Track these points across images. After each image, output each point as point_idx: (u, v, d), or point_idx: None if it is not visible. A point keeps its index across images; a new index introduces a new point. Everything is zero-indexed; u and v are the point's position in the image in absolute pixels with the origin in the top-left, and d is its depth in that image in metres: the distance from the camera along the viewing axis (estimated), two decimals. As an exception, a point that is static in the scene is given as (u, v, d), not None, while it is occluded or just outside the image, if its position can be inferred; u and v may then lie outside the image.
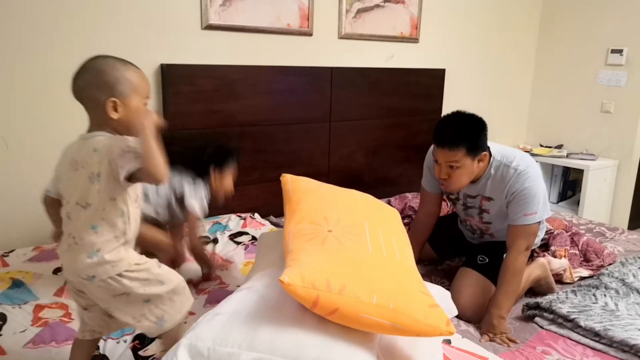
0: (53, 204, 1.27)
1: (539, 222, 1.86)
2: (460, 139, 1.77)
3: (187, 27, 2.41)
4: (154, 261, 1.28)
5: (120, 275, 1.19)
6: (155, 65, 2.36)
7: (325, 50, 2.85)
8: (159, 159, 1.10)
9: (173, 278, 1.29)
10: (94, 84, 1.17)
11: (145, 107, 1.23)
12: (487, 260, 1.96)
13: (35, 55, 2.09)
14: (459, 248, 2.18)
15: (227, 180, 1.94)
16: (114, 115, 1.17)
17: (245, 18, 2.55)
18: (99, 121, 1.19)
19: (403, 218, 2.70)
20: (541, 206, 1.83)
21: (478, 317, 1.85)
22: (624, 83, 3.50)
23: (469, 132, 1.79)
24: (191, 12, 2.41)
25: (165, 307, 1.26)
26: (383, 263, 1.28)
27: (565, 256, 2.14)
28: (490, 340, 1.68)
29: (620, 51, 3.48)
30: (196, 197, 1.82)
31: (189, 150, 1.90)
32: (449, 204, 2.29)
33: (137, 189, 1.24)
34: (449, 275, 2.10)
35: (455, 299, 1.63)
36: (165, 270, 1.28)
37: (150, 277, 1.23)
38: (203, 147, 1.90)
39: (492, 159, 1.88)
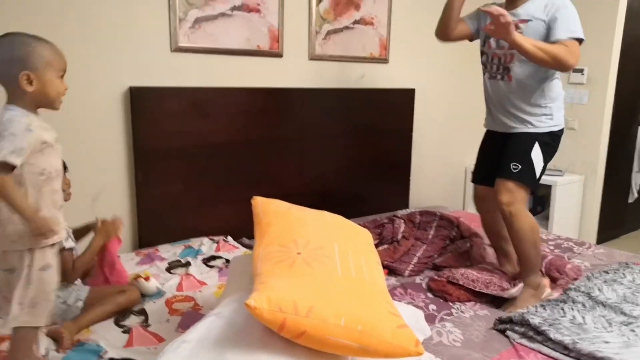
0: None
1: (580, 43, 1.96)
2: None
3: (156, 50, 2.41)
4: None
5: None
6: (124, 88, 2.34)
7: (296, 71, 2.88)
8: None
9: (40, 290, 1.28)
10: (6, 59, 1.25)
11: (61, 80, 1.32)
12: (520, 167, 2.02)
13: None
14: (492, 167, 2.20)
15: None
16: (29, 88, 1.26)
17: (215, 40, 2.56)
18: (14, 95, 1.27)
19: (376, 227, 2.72)
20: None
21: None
22: (586, 101, 3.63)
23: None
24: (160, 35, 2.41)
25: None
26: (352, 284, 1.28)
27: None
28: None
29: (581, 70, 3.61)
30: None
31: None
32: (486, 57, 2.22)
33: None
34: (430, 290, 2.10)
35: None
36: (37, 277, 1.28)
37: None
38: None
39: None
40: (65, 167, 1.80)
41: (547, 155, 2.09)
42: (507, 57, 2.07)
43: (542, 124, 2.08)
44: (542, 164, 2.06)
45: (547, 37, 1.96)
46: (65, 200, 1.76)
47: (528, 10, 2.00)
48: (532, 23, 1.99)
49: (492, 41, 2.12)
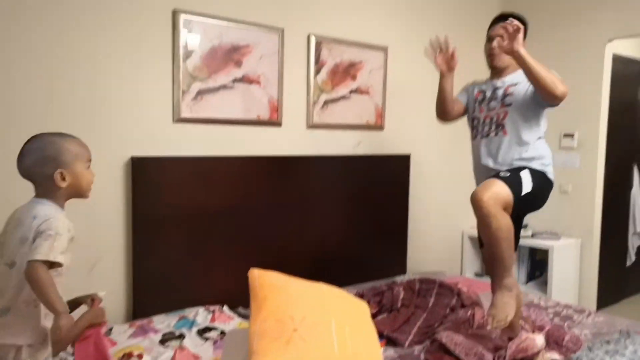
0: None
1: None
2: (515, 18, 2.16)
3: (158, 121, 2.49)
4: None
5: None
6: (126, 158, 2.40)
7: (294, 140, 2.96)
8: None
9: None
10: (39, 160, 1.33)
11: (89, 170, 1.40)
12: (509, 174, 2.08)
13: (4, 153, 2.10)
14: None
15: None
16: (63, 184, 1.35)
17: (216, 111, 2.65)
18: (47, 190, 1.35)
19: (375, 295, 2.69)
20: None
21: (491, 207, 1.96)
22: (578, 165, 3.71)
23: (522, 19, 2.21)
24: (163, 107, 2.49)
25: None
26: (349, 363, 1.27)
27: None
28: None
29: (571, 135, 3.71)
30: None
31: None
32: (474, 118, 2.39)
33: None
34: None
35: (473, 194, 1.98)
36: None
37: None
38: None
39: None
40: None
41: (535, 191, 2.11)
42: (500, 115, 2.25)
43: (537, 165, 2.19)
44: (529, 188, 2.07)
45: (532, 97, 2.16)
46: None
47: (514, 77, 2.25)
48: (519, 86, 2.21)
49: (484, 106, 2.32)
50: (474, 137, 2.38)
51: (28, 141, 1.36)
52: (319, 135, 3.06)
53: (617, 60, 3.72)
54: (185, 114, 2.54)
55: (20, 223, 1.30)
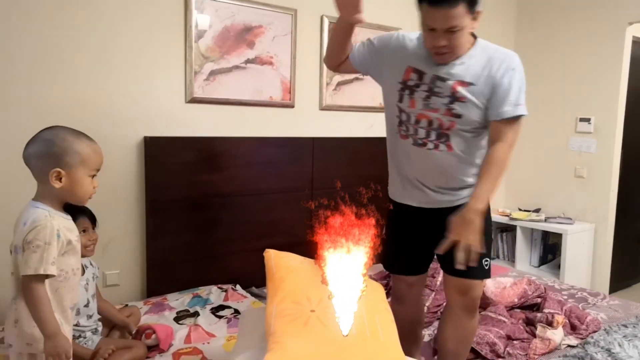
0: None
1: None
2: None
3: (171, 101, 2.47)
4: None
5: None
6: (139, 138, 2.39)
7: (307, 121, 2.93)
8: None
9: None
10: (42, 154, 1.24)
11: (91, 180, 1.30)
12: (489, 261, 1.68)
13: (15, 126, 2.10)
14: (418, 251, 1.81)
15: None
16: (57, 185, 1.24)
17: (228, 91, 2.63)
18: (42, 188, 1.27)
19: (382, 279, 2.69)
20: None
21: None
22: (594, 149, 3.65)
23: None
24: (176, 87, 2.48)
25: None
26: (366, 344, 1.27)
27: (562, 324, 2.11)
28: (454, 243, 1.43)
29: (588, 119, 3.65)
30: None
31: None
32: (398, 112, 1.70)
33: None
34: (435, 353, 2.05)
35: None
36: None
37: None
38: None
39: (477, 40, 1.58)
40: (94, 222, 1.81)
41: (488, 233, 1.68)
42: (444, 123, 1.58)
43: None
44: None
45: (488, 102, 1.55)
46: (88, 255, 1.78)
47: (468, 68, 1.54)
48: (475, 89, 1.53)
49: (419, 99, 1.59)
50: (398, 134, 1.72)
51: (44, 129, 1.28)
52: (331, 117, 3.04)
53: (637, 44, 3.63)
54: (197, 94, 2.52)
55: (15, 229, 1.24)
